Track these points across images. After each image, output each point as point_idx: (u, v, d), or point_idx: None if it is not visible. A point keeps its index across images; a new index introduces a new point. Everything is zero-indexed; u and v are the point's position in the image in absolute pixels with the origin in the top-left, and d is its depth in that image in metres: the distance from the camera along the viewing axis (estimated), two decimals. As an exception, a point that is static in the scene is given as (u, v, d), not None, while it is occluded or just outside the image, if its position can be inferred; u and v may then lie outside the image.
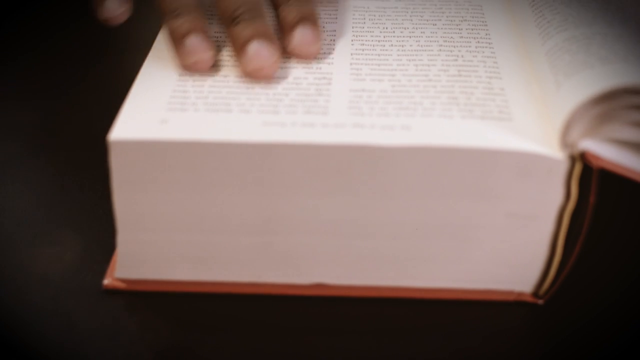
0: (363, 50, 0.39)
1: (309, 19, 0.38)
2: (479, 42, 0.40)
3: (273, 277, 0.36)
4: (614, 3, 0.39)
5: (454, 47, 0.39)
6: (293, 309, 0.36)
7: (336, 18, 0.42)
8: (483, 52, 0.39)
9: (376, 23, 0.42)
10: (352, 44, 0.40)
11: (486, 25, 0.42)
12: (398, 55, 0.39)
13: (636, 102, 0.33)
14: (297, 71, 0.37)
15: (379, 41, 0.40)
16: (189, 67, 0.37)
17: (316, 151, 0.33)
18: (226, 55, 0.38)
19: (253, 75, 0.36)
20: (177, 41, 0.37)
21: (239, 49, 0.37)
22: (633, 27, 0.37)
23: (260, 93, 0.36)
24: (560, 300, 0.36)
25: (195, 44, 0.36)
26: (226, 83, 0.36)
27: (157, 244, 0.35)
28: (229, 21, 0.38)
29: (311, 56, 0.38)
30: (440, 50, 0.39)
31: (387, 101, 0.35)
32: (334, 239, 0.35)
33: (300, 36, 0.38)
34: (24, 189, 0.42)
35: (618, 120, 0.33)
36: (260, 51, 0.36)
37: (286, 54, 0.38)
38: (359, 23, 0.42)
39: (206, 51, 0.37)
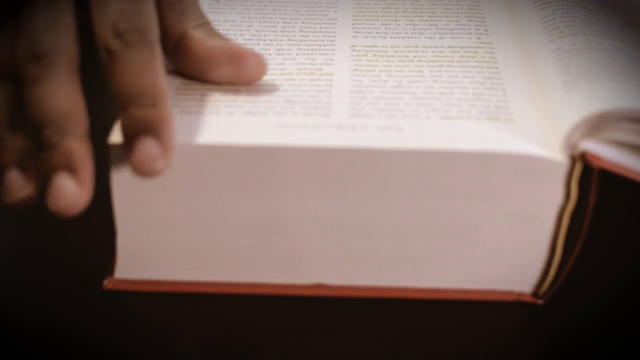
0: (363, 51, 0.39)
1: (150, 129, 0.31)
2: (479, 41, 0.40)
3: (273, 277, 0.36)
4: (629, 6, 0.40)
5: (455, 47, 0.39)
6: (293, 309, 0.36)
7: (336, 20, 0.42)
8: (483, 51, 0.39)
9: (376, 23, 0.42)
10: (352, 46, 0.40)
11: (485, 24, 0.42)
12: (398, 55, 0.39)
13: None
14: (297, 72, 0.37)
15: (379, 42, 0.40)
16: (10, 207, 0.32)
17: (317, 153, 0.33)
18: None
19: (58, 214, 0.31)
20: None
21: (44, 179, 0.31)
22: None
23: (261, 93, 0.36)
24: (560, 300, 0.36)
25: (13, 181, 0.31)
26: (227, 85, 0.36)
27: (157, 244, 0.35)
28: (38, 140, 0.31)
29: (155, 173, 0.31)
30: (440, 50, 0.39)
31: (388, 103, 0.35)
32: (334, 240, 0.35)
33: (138, 153, 0.31)
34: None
35: (619, 123, 0.33)
36: (64, 189, 0.30)
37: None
38: (358, 23, 0.42)
39: (26, 188, 0.31)
